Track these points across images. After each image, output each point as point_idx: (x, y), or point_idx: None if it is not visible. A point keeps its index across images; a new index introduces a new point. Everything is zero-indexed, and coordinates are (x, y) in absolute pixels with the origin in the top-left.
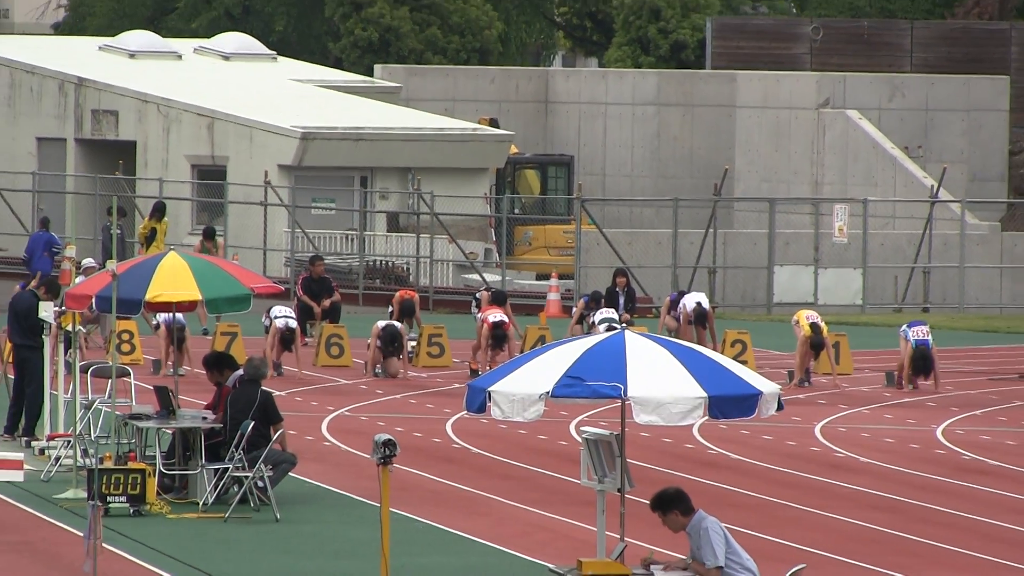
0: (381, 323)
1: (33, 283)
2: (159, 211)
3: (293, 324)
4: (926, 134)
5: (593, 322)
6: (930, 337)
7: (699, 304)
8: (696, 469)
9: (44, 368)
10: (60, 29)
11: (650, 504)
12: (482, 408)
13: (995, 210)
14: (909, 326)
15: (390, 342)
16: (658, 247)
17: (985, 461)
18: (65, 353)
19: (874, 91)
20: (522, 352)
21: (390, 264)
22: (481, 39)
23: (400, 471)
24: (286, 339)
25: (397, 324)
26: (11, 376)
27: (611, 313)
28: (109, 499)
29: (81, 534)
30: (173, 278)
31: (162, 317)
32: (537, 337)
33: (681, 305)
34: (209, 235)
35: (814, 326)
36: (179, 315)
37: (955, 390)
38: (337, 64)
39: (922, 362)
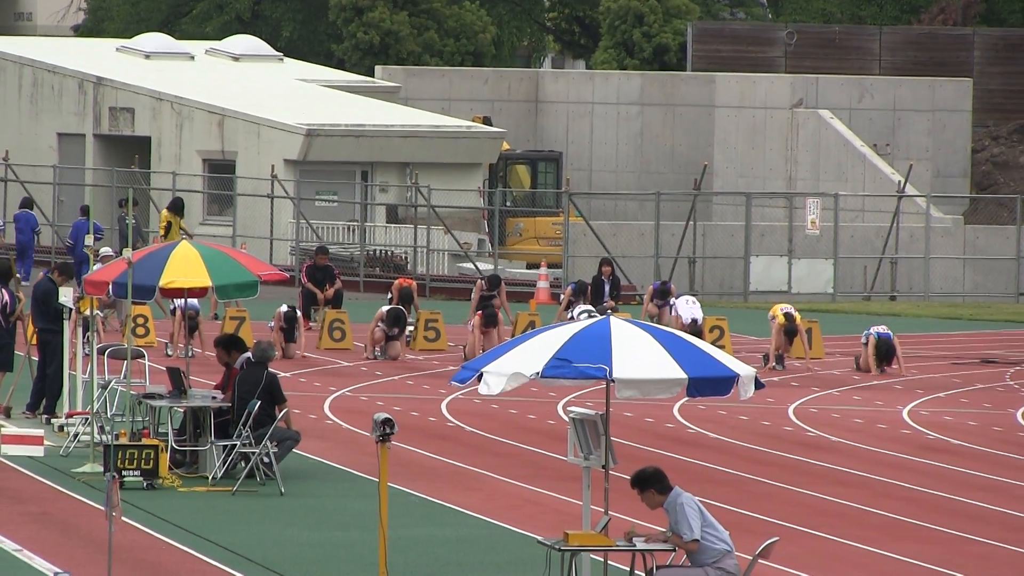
0: (385, 307)
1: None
2: (178, 208)
3: (295, 308)
4: (893, 133)
5: (572, 316)
6: (890, 331)
7: (694, 321)
8: (676, 447)
9: (64, 350)
10: (80, 31)
11: (630, 482)
12: (465, 380)
13: (958, 204)
14: (869, 328)
15: (394, 323)
16: (641, 238)
17: (948, 440)
18: (83, 336)
19: (844, 92)
20: (513, 337)
21: (389, 253)
22: (475, 42)
23: (398, 448)
24: (289, 318)
25: (401, 308)
26: (35, 358)
27: (588, 307)
28: (124, 473)
29: (99, 506)
30: (185, 266)
31: (178, 302)
32: (527, 323)
33: (676, 312)
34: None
35: (788, 315)
36: (192, 300)
37: (920, 374)
38: (340, 65)
39: (885, 350)
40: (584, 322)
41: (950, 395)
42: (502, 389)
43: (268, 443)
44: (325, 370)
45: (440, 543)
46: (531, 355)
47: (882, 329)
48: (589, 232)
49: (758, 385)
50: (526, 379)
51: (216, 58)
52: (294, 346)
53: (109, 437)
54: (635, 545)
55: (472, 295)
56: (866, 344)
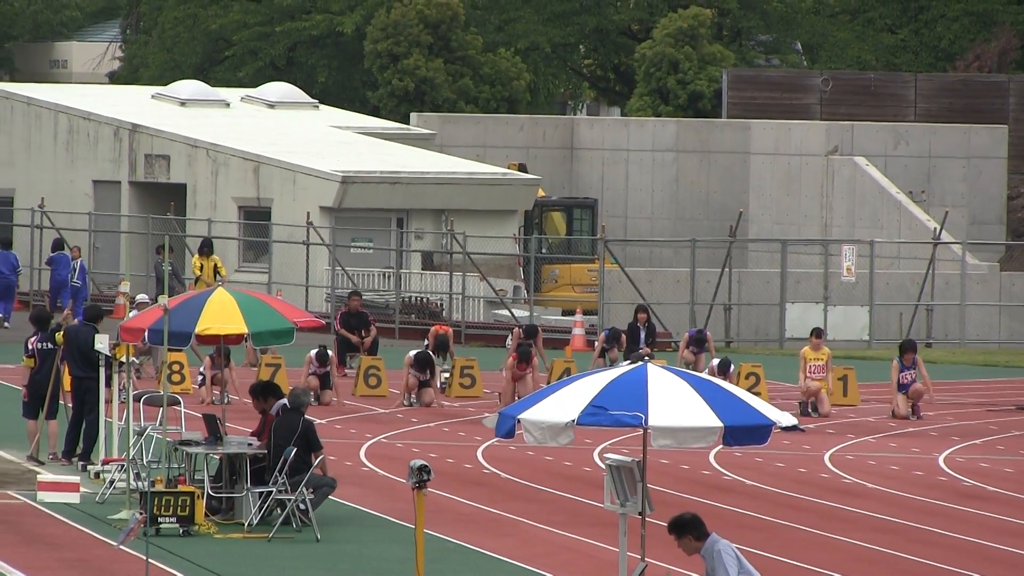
0: (413, 352)
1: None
2: (203, 249)
3: (327, 348)
4: (929, 180)
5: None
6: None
7: (725, 358)
8: (712, 494)
9: (100, 396)
10: (115, 79)
11: (667, 527)
12: (510, 434)
13: (994, 251)
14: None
15: (423, 367)
16: (677, 285)
17: (984, 487)
18: (119, 383)
19: (880, 139)
20: (548, 384)
21: (425, 300)
22: (510, 89)
23: (434, 495)
24: (321, 357)
25: (429, 352)
26: (70, 404)
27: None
28: (160, 520)
29: (138, 554)
30: (221, 312)
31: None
32: (563, 369)
33: (712, 365)
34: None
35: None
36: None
37: (956, 420)
38: (375, 112)
39: (909, 345)
40: (620, 369)
41: (986, 442)
42: (548, 445)
43: (304, 490)
44: (361, 417)
45: None
46: (567, 402)
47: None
48: (624, 279)
49: (798, 428)
50: (566, 430)
51: (251, 105)
52: (330, 392)
53: (145, 484)
54: None
55: (508, 343)
56: (891, 369)
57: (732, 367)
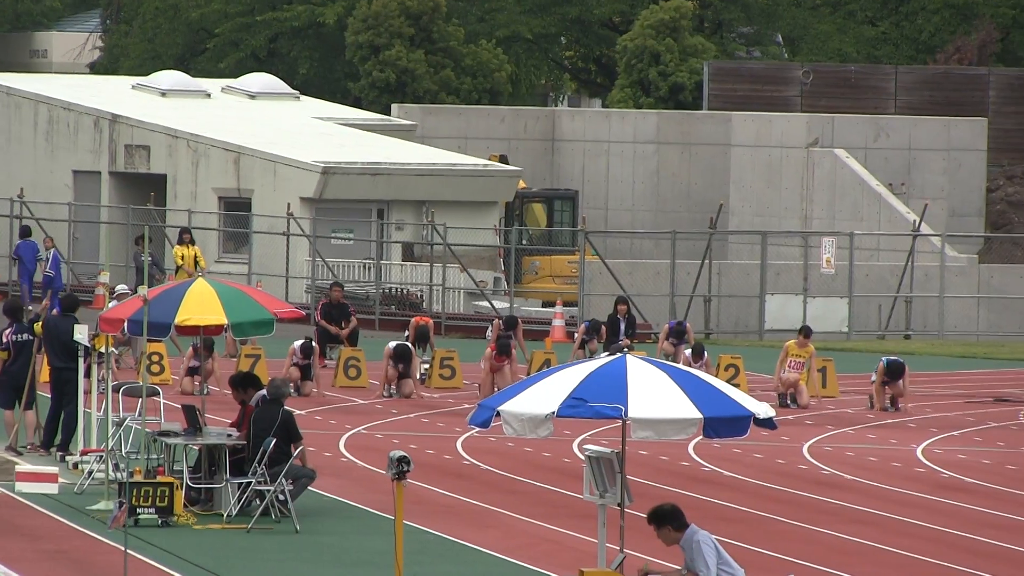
0: (392, 343)
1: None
2: (187, 235)
3: (311, 340)
4: (909, 172)
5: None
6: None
7: (698, 344)
8: (691, 485)
9: (79, 387)
10: (96, 69)
11: (647, 518)
12: (486, 424)
13: (973, 243)
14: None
15: (400, 359)
16: (657, 277)
17: (961, 479)
18: (98, 373)
19: (860, 131)
20: (528, 375)
21: (405, 291)
22: (492, 81)
23: (414, 486)
24: (306, 349)
25: (407, 344)
26: (45, 395)
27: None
28: (139, 510)
29: (116, 544)
30: (201, 303)
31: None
32: (543, 361)
33: (686, 355)
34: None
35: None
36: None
37: (934, 412)
38: (356, 103)
39: (896, 368)
40: (600, 360)
41: (964, 433)
42: (527, 437)
43: (283, 481)
44: (340, 408)
45: None
46: (547, 394)
47: (894, 357)
48: (605, 270)
49: (772, 426)
50: (545, 422)
51: (232, 96)
52: (310, 383)
53: (124, 474)
54: None
55: (488, 334)
56: (875, 371)
57: (706, 353)
